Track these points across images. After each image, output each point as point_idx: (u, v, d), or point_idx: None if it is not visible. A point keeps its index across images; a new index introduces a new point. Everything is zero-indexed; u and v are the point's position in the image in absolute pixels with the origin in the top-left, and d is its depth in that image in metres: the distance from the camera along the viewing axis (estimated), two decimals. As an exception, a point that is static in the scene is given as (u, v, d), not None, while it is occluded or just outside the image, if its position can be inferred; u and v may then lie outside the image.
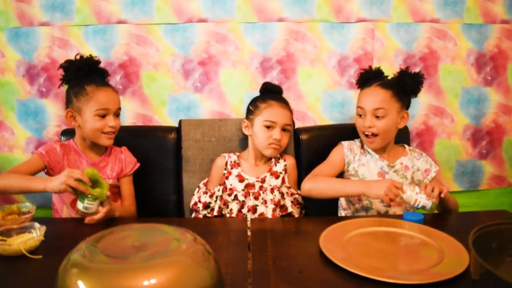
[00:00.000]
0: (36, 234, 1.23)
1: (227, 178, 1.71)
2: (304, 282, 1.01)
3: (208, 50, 2.04)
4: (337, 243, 1.17)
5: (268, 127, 1.68)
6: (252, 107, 1.74)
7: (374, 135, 1.62)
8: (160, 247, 0.80)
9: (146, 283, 0.72)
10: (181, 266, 0.77)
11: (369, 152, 1.69)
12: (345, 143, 1.73)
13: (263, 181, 1.70)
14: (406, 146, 1.76)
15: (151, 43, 2.02)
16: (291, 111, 1.75)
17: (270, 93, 1.78)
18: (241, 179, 1.70)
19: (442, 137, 2.21)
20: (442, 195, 1.38)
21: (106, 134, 1.57)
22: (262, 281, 1.00)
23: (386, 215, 1.63)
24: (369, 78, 1.70)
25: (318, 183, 1.57)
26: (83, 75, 1.58)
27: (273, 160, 1.74)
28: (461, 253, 1.11)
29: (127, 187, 1.68)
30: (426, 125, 2.18)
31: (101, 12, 1.99)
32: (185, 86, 2.06)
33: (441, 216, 1.42)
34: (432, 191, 1.37)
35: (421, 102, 2.14)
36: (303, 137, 1.84)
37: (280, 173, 1.73)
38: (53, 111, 2.06)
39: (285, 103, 1.75)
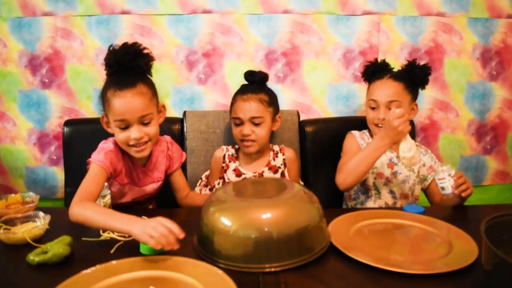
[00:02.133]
0: (41, 223, 1.22)
1: (225, 171, 1.70)
2: (314, 271, 1.00)
3: (212, 41, 2.02)
4: (344, 234, 1.17)
5: (236, 124, 1.63)
6: (231, 105, 1.69)
7: None
8: (276, 191, 1.13)
9: (268, 215, 1.02)
10: (293, 204, 1.08)
11: None
12: (355, 132, 1.73)
13: (260, 176, 1.67)
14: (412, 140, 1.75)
15: (155, 34, 2.00)
16: (264, 101, 1.61)
17: (251, 82, 1.68)
18: (238, 173, 1.68)
19: (447, 132, 2.20)
20: (463, 195, 1.39)
21: (133, 147, 1.35)
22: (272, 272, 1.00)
23: (393, 207, 1.63)
24: (376, 70, 1.70)
25: (347, 169, 1.52)
26: (122, 69, 1.34)
27: (271, 153, 1.71)
28: (470, 244, 1.10)
29: (180, 178, 1.59)
30: (431, 119, 2.17)
31: (105, 2, 1.97)
32: (189, 78, 2.04)
33: (445, 209, 1.41)
34: (460, 186, 1.39)
35: (426, 96, 2.13)
36: (308, 129, 1.83)
37: (279, 167, 1.70)
38: (55, 102, 2.04)
39: (254, 92, 1.61)
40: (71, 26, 1.98)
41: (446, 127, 2.19)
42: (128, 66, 1.34)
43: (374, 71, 1.70)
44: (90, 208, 1.16)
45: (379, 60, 1.73)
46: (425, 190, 1.74)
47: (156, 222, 1.02)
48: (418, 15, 2.07)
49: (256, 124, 1.60)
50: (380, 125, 1.62)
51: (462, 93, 2.17)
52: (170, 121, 1.85)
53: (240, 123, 1.62)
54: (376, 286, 0.93)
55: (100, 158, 1.33)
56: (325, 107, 2.11)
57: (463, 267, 0.98)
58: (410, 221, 1.27)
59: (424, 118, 2.17)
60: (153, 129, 1.37)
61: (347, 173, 1.52)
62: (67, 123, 1.82)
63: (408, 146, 1.44)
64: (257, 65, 2.04)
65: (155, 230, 1.00)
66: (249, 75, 1.68)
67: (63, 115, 2.04)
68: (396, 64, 1.74)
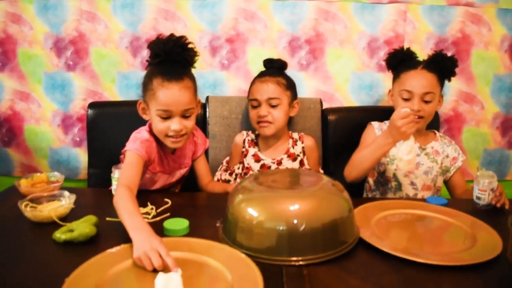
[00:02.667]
0: (66, 202, 1.25)
1: (245, 156, 1.70)
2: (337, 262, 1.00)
3: (236, 27, 2.01)
4: (367, 223, 1.16)
5: (253, 106, 1.64)
6: (249, 89, 1.71)
7: (420, 117, 1.58)
8: (303, 183, 1.15)
9: (295, 207, 1.00)
10: (321, 196, 1.06)
11: None
12: (375, 123, 1.71)
13: (279, 163, 1.67)
14: (436, 132, 1.74)
15: (179, 18, 1.99)
16: (282, 84, 1.62)
17: (269, 69, 1.70)
18: (257, 159, 1.68)
19: (471, 125, 2.16)
20: (498, 205, 1.35)
21: (170, 138, 1.37)
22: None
23: (414, 198, 1.62)
24: (403, 59, 1.65)
25: (353, 163, 1.55)
26: (170, 60, 1.35)
27: (290, 141, 1.71)
28: (494, 237, 1.10)
29: (204, 166, 1.62)
30: (455, 111, 2.13)
31: (130, -14, 1.97)
32: (212, 63, 2.04)
33: (469, 201, 1.39)
34: (497, 199, 1.35)
35: (452, 88, 2.09)
36: (331, 118, 1.82)
37: (298, 155, 1.69)
38: (80, 85, 2.06)
39: (272, 75, 1.63)
40: (96, 9, 1.98)
41: (471, 120, 2.15)
42: (176, 58, 1.35)
43: (401, 60, 1.66)
44: (119, 199, 1.14)
45: (404, 48, 1.69)
46: (446, 182, 1.72)
47: (154, 251, 0.92)
48: (446, 5, 2.03)
49: (273, 106, 1.61)
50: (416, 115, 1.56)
51: (488, 85, 2.13)
52: (192, 106, 1.86)
53: (257, 104, 1.63)
54: (399, 276, 0.93)
55: (136, 146, 1.34)
56: (348, 96, 2.08)
57: (487, 260, 0.97)
58: (433, 213, 1.27)
59: (449, 110, 2.13)
60: (191, 123, 1.39)
61: (352, 167, 1.54)
62: (92, 105, 1.83)
63: (407, 149, 1.42)
64: (280, 52, 2.02)
65: (152, 258, 0.91)
66: (268, 62, 1.71)
67: (87, 98, 2.05)
68: (422, 55, 1.71)
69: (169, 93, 1.32)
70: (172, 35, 1.35)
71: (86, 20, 2.00)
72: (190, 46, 1.37)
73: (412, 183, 1.65)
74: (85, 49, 2.02)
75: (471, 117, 2.15)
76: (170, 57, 1.34)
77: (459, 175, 1.71)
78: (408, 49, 1.68)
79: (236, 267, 0.92)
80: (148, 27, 1.99)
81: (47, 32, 2.01)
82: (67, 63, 2.04)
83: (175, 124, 1.34)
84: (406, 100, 1.60)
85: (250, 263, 0.92)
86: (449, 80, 1.65)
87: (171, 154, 1.51)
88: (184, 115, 1.36)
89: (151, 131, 1.43)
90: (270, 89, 1.61)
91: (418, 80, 1.57)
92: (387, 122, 1.71)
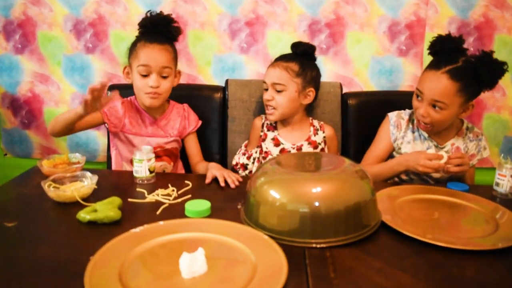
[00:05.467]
0: (88, 182, 1.26)
1: (263, 140, 1.69)
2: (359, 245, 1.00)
3: (255, 10, 1.99)
4: (389, 207, 1.16)
5: (264, 89, 1.66)
6: None
7: (428, 124, 1.50)
8: (326, 166, 1.13)
9: (318, 189, 1.00)
10: (343, 179, 1.04)
11: (418, 128, 1.60)
12: (392, 118, 1.63)
13: (299, 149, 1.66)
14: (465, 123, 1.63)
15: (199, 1, 1.99)
16: (291, 70, 1.59)
17: (294, 53, 1.67)
18: (276, 143, 1.67)
19: (492, 111, 2.13)
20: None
21: (148, 94, 1.51)
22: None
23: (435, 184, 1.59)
24: (444, 49, 1.46)
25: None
26: (155, 31, 1.53)
27: (311, 128, 1.70)
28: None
29: (194, 145, 1.70)
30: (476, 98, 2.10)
31: (150, -32, 1.96)
32: (231, 47, 2.03)
33: (490, 188, 1.38)
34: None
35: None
36: (351, 102, 1.80)
37: (319, 143, 1.68)
38: (99, 67, 2.07)
39: (284, 60, 1.61)
40: (116, -9, 1.98)
41: (492, 106, 2.12)
42: (160, 29, 1.53)
43: (441, 49, 1.47)
44: (57, 116, 1.45)
45: (452, 35, 1.47)
46: None
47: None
48: (470, -12, 1.99)
49: (278, 91, 1.60)
50: (421, 121, 1.51)
51: (510, 72, 2.07)
52: (212, 89, 1.86)
53: (266, 88, 1.64)
54: (422, 259, 0.93)
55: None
56: (368, 81, 2.06)
57: (509, 246, 0.96)
58: (455, 198, 1.26)
59: (469, 96, 2.10)
60: (167, 84, 1.54)
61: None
62: (111, 88, 1.84)
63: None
64: (300, 36, 2.01)
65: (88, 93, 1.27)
66: (293, 45, 1.67)
67: (106, 80, 2.06)
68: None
69: (150, 51, 1.48)
70: (160, 12, 1.55)
71: (105, 2, 2.00)
72: (174, 24, 1.56)
73: (423, 180, 1.61)
74: (104, 32, 2.03)
75: (492, 103, 2.11)
76: (155, 29, 1.52)
77: (470, 171, 1.63)
78: (456, 37, 1.47)
79: (260, 249, 0.92)
80: (167, 9, 1.99)
81: (66, 14, 2.02)
82: (87, 45, 2.05)
83: (152, 80, 1.48)
84: (417, 98, 1.51)
85: (274, 245, 0.93)
86: (488, 90, 1.46)
87: (153, 119, 1.62)
88: (162, 75, 1.51)
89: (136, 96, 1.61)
90: (276, 73, 1.60)
91: (432, 83, 1.43)
92: (405, 114, 1.64)
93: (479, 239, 1.01)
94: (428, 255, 0.94)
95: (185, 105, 1.71)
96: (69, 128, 1.45)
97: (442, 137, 1.59)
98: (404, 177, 1.62)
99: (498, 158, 1.38)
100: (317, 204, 0.98)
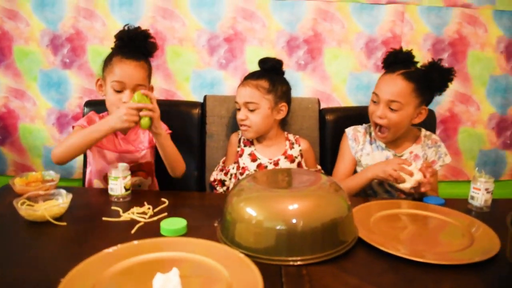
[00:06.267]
0: (63, 200, 1.23)
1: (240, 156, 1.69)
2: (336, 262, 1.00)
3: (234, 26, 2.01)
4: (365, 223, 1.16)
5: (237, 109, 1.65)
6: None
7: (385, 128, 1.53)
8: (302, 183, 1.11)
9: (294, 206, 1.00)
10: (320, 195, 1.05)
11: (375, 140, 1.63)
12: (349, 133, 1.67)
13: (276, 163, 1.66)
14: (423, 130, 1.66)
15: (178, 17, 1.99)
16: (262, 88, 1.59)
17: (262, 69, 1.67)
18: (253, 158, 1.67)
19: (467, 125, 2.18)
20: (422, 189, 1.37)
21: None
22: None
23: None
24: (396, 61, 1.57)
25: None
26: (131, 45, 1.51)
27: (287, 143, 1.70)
28: (491, 237, 1.10)
29: None
30: (451, 112, 2.15)
31: (129, -17, 1.96)
32: (209, 63, 2.04)
33: (464, 202, 1.40)
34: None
35: (448, 89, 2.09)
36: (329, 117, 1.81)
37: (296, 157, 1.69)
38: (76, 83, 2.05)
39: (254, 78, 1.62)
40: (94, 6, 1.98)
41: (467, 120, 2.17)
42: (137, 44, 1.51)
43: (394, 61, 1.57)
44: (67, 139, 1.41)
45: (403, 50, 1.61)
46: None
47: (125, 108, 1.30)
48: (443, 6, 2.04)
49: (251, 110, 1.60)
50: (377, 123, 1.54)
51: (484, 86, 2.15)
52: (190, 104, 1.85)
53: (239, 107, 1.64)
54: (398, 275, 0.93)
55: (79, 122, 1.53)
56: (345, 97, 2.09)
57: (485, 260, 0.97)
58: (431, 212, 1.27)
59: (445, 111, 2.14)
60: None
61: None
62: (88, 103, 1.81)
63: (412, 182, 1.38)
64: (278, 52, 2.02)
65: (130, 114, 1.29)
66: (261, 62, 1.68)
67: (83, 96, 2.05)
68: (419, 56, 1.70)
69: (126, 67, 1.47)
70: (138, 27, 1.53)
71: (83, 17, 1.99)
72: (151, 40, 1.54)
73: (387, 192, 1.62)
74: (82, 47, 2.02)
75: (467, 117, 2.16)
76: (132, 43, 1.50)
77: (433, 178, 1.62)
78: (409, 51, 1.59)
79: (235, 267, 0.91)
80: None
81: (43, 29, 2.00)
82: (64, 60, 2.03)
83: (126, 96, 1.46)
84: (374, 103, 1.56)
85: (249, 263, 0.92)
86: (439, 94, 1.56)
87: (123, 134, 1.59)
88: (135, 91, 1.46)
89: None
90: (247, 92, 1.60)
91: (388, 85, 1.51)
92: (361, 128, 1.68)
93: (455, 253, 1.02)
94: (404, 271, 0.94)
95: None
96: (87, 148, 1.44)
97: (400, 146, 1.62)
98: (377, 188, 1.63)
99: (474, 171, 1.40)
100: (294, 221, 0.97)
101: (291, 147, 1.70)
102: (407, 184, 1.38)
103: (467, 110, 2.16)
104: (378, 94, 1.53)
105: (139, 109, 1.31)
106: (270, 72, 1.64)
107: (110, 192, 1.31)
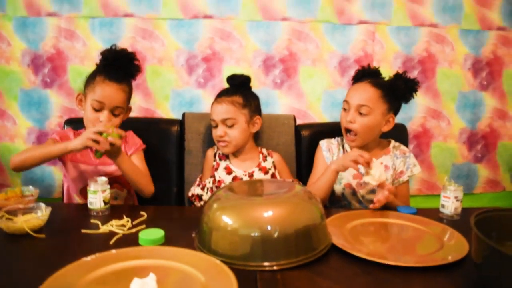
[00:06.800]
0: (42, 214, 1.24)
1: (216, 170, 1.72)
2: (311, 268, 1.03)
3: (212, 46, 2.07)
4: (340, 231, 1.20)
5: (213, 126, 1.69)
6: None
7: (355, 133, 1.59)
8: (276, 191, 1.16)
9: (269, 213, 1.03)
10: (295, 203, 1.09)
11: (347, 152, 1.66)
12: (323, 145, 1.73)
13: (251, 175, 1.70)
14: (392, 142, 1.71)
15: (157, 37, 2.04)
16: (237, 103, 1.65)
17: (231, 86, 1.73)
18: (229, 171, 1.71)
19: (439, 140, 2.25)
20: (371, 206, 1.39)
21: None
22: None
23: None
24: (364, 76, 1.67)
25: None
26: (115, 65, 1.54)
27: (260, 156, 1.75)
28: (460, 241, 1.14)
29: (139, 164, 1.61)
30: (423, 127, 2.22)
31: (109, 5, 2.02)
32: (188, 82, 2.09)
33: (437, 211, 1.44)
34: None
35: (419, 105, 2.18)
36: (304, 133, 1.86)
37: (269, 169, 1.73)
38: (56, 102, 2.07)
39: (228, 95, 1.67)
40: (75, 27, 2.02)
41: (438, 135, 2.24)
42: (121, 65, 1.55)
43: (362, 76, 1.67)
44: (27, 150, 1.46)
45: (371, 67, 1.70)
46: None
47: (90, 131, 1.35)
48: (412, 26, 2.14)
49: (229, 126, 1.65)
50: (348, 128, 1.60)
51: (454, 102, 2.23)
52: (169, 122, 1.88)
53: (215, 125, 1.67)
54: (370, 278, 0.96)
55: (54, 135, 1.59)
56: (321, 113, 2.15)
57: (454, 261, 1.01)
58: (404, 221, 1.30)
59: (417, 126, 2.22)
60: (117, 121, 1.56)
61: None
62: (68, 122, 1.83)
63: (377, 174, 1.40)
64: (255, 71, 2.09)
65: (92, 132, 1.34)
66: (229, 78, 1.73)
67: (63, 115, 2.07)
68: (390, 73, 1.77)
69: (107, 88, 1.51)
70: (125, 49, 1.58)
71: (64, 37, 2.03)
72: (136, 62, 1.59)
73: (360, 202, 1.67)
74: (63, 67, 2.05)
75: (439, 132, 2.24)
76: (116, 63, 1.54)
77: (403, 188, 1.66)
78: (376, 68, 1.69)
79: (211, 273, 0.93)
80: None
81: (24, 49, 2.04)
82: (44, 80, 2.06)
83: (103, 115, 1.51)
84: (345, 110, 1.64)
85: (225, 269, 0.94)
86: (405, 102, 1.62)
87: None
88: (114, 112, 1.54)
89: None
90: (224, 109, 1.64)
91: (357, 92, 1.61)
92: (334, 141, 1.74)
93: (426, 256, 1.06)
94: (376, 274, 0.97)
95: (129, 132, 1.69)
96: (43, 162, 1.45)
97: (372, 156, 1.61)
98: (351, 198, 1.68)
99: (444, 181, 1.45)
100: (268, 228, 1.00)
101: (264, 160, 1.74)
102: (373, 180, 1.40)
103: (439, 125, 2.23)
104: (348, 101, 1.61)
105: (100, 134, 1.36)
106: (241, 87, 1.70)
107: (89, 205, 1.33)
